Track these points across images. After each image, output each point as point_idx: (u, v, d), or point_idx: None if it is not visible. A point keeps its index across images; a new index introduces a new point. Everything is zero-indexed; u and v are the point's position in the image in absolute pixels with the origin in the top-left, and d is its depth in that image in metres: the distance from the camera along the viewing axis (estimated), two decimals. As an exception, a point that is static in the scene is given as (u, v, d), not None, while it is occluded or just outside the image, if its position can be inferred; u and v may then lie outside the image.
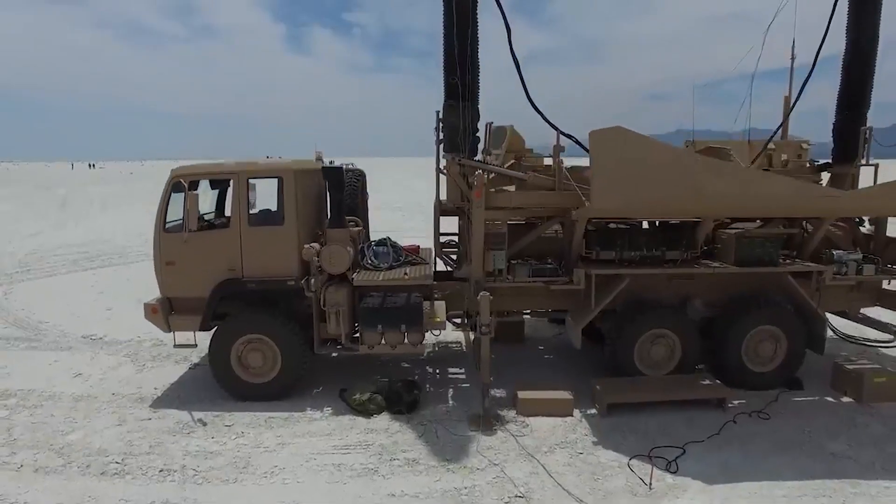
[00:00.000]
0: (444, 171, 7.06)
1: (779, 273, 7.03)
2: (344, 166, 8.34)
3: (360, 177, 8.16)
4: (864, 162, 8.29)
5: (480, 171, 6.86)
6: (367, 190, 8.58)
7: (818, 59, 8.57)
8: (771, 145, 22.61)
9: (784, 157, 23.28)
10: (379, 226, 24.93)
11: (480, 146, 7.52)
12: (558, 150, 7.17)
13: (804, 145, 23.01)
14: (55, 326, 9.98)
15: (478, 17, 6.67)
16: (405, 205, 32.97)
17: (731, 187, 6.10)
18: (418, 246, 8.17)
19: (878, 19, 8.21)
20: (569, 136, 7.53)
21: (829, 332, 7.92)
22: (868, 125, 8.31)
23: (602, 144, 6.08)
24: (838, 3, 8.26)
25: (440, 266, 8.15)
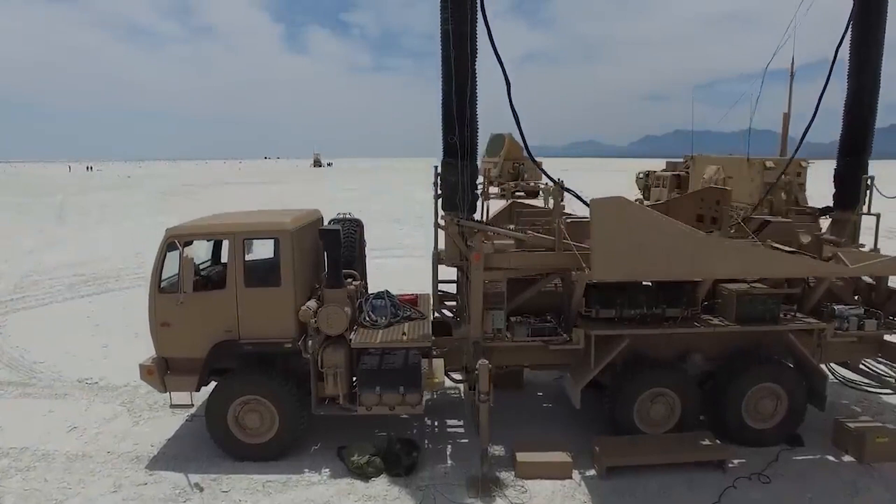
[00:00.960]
0: (444, 227, 6.99)
1: (780, 331, 6.98)
2: (341, 215, 8.30)
3: (357, 226, 8.10)
4: (865, 211, 8.26)
5: (480, 233, 6.78)
6: (365, 237, 8.50)
7: (819, 105, 8.51)
8: (769, 163, 22.47)
9: (786, 177, 22.97)
10: (378, 241, 24.86)
11: (480, 153, 7.44)
12: (559, 209, 7.10)
13: (803, 163, 22.93)
14: (50, 368, 9.89)
15: (476, 74, 6.60)
16: (405, 216, 32.92)
17: (732, 265, 6.03)
18: (416, 297, 8.10)
19: (880, 66, 8.18)
20: (569, 191, 7.49)
21: (830, 377, 7.90)
22: (870, 174, 8.27)
23: (602, 214, 6.03)
24: (840, 47, 8.24)
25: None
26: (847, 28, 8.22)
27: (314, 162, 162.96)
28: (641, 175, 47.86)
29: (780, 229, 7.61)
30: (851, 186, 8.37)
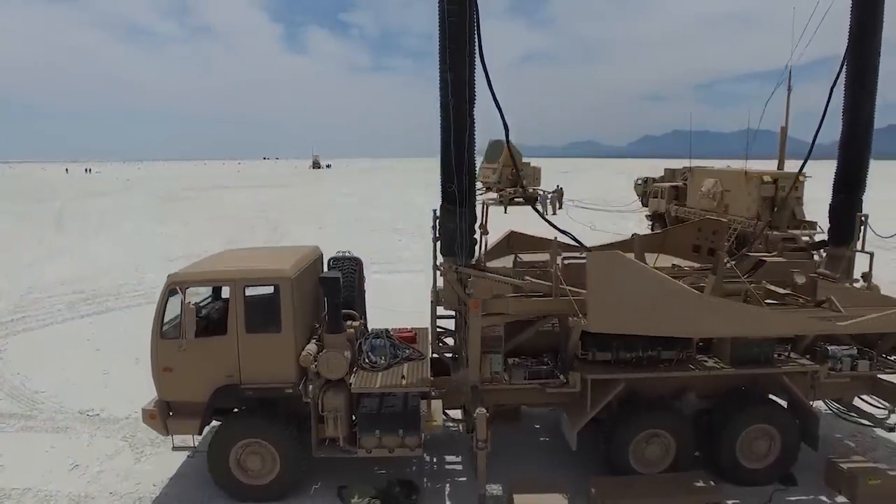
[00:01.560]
0: (442, 273, 7.06)
1: (774, 373, 7.07)
2: (340, 254, 8.37)
3: (355, 265, 8.17)
4: (859, 249, 8.37)
5: (478, 281, 6.84)
6: (364, 273, 8.57)
7: (814, 144, 8.61)
8: (767, 178, 22.56)
9: (784, 188, 22.98)
10: (377, 254, 24.85)
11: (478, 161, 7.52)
12: (555, 255, 7.17)
13: (800, 177, 22.96)
14: (51, 398, 9.96)
15: (475, 122, 6.69)
16: (405, 225, 32.92)
17: (723, 324, 6.11)
18: (415, 334, 8.16)
19: (874, 107, 8.29)
20: (565, 233, 7.58)
21: (824, 408, 8.00)
22: (864, 212, 8.37)
23: (598, 267, 6.11)
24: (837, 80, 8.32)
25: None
26: (841, 69, 8.33)
27: (313, 164, 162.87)
28: (640, 181, 48.11)
29: (775, 269, 7.70)
30: (846, 223, 8.48)
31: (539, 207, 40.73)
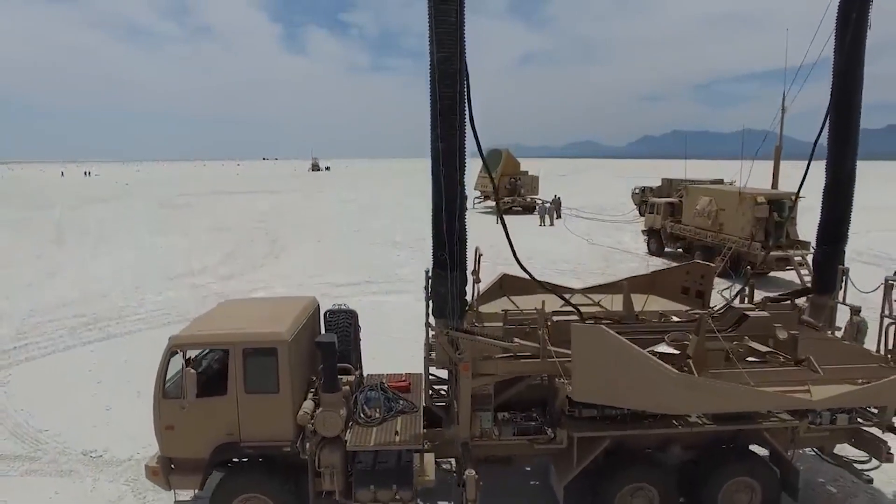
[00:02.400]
0: (434, 334, 7.30)
1: (755, 429, 7.32)
2: (336, 307, 8.60)
3: (351, 317, 8.40)
4: (840, 300, 8.62)
5: (469, 344, 7.07)
6: (360, 324, 8.79)
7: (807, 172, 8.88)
8: (760, 199, 22.83)
9: (787, 203, 23.16)
10: (376, 270, 24.97)
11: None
12: (542, 319, 7.39)
13: (793, 198, 23.14)
14: (54, 437, 10.18)
15: (465, 192, 6.94)
16: (404, 238, 33.14)
17: (701, 402, 6.34)
18: (409, 383, 8.39)
19: (855, 157, 8.53)
20: (565, 299, 7.79)
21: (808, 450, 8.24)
22: (846, 265, 8.63)
23: (582, 340, 6.35)
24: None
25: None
26: (825, 121, 8.58)
27: (312, 166, 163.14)
28: (637, 190, 48.35)
29: (757, 324, 7.93)
30: (829, 273, 8.74)
31: (537, 209, 40.59)
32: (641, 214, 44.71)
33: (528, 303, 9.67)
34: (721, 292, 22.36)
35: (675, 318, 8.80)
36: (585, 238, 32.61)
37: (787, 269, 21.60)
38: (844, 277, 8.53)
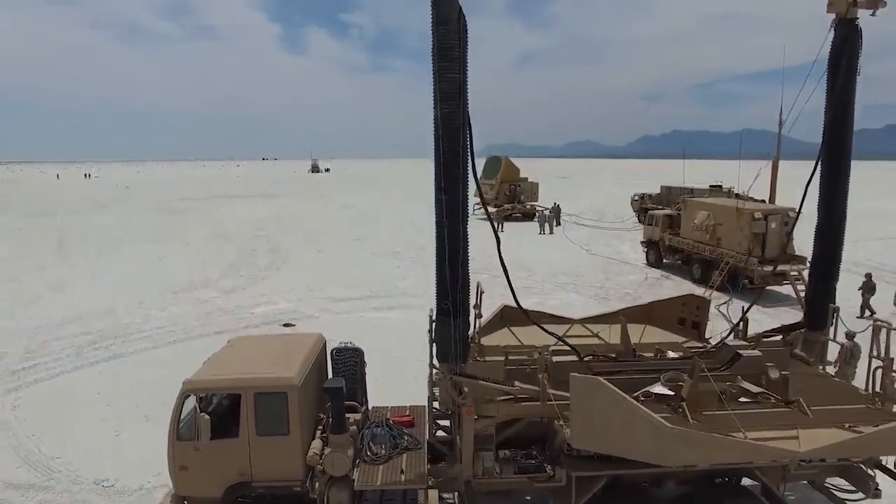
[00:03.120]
0: (438, 377, 7.56)
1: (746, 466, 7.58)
2: (342, 344, 8.84)
3: (357, 356, 8.65)
4: (831, 337, 8.89)
5: (471, 388, 7.32)
6: (366, 360, 9.03)
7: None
8: (758, 214, 23.08)
9: (773, 224, 23.65)
10: (376, 284, 25.21)
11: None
12: (542, 364, 7.65)
13: (790, 213, 23.55)
14: (66, 465, 10.42)
15: (468, 243, 7.20)
16: (404, 248, 33.40)
17: (692, 453, 6.59)
18: (412, 418, 8.64)
19: (846, 198, 8.80)
20: (541, 327, 8.04)
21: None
22: (836, 304, 8.90)
23: (580, 391, 6.60)
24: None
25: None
26: (816, 165, 8.85)
27: (312, 168, 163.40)
28: (637, 197, 48.61)
29: (750, 363, 8.18)
30: (821, 310, 9.02)
31: (537, 217, 41.02)
32: (640, 221, 45.01)
33: (529, 334, 9.94)
34: (718, 307, 22.62)
35: (671, 354, 9.06)
36: (585, 248, 32.91)
37: (784, 284, 21.87)
38: (835, 315, 8.80)
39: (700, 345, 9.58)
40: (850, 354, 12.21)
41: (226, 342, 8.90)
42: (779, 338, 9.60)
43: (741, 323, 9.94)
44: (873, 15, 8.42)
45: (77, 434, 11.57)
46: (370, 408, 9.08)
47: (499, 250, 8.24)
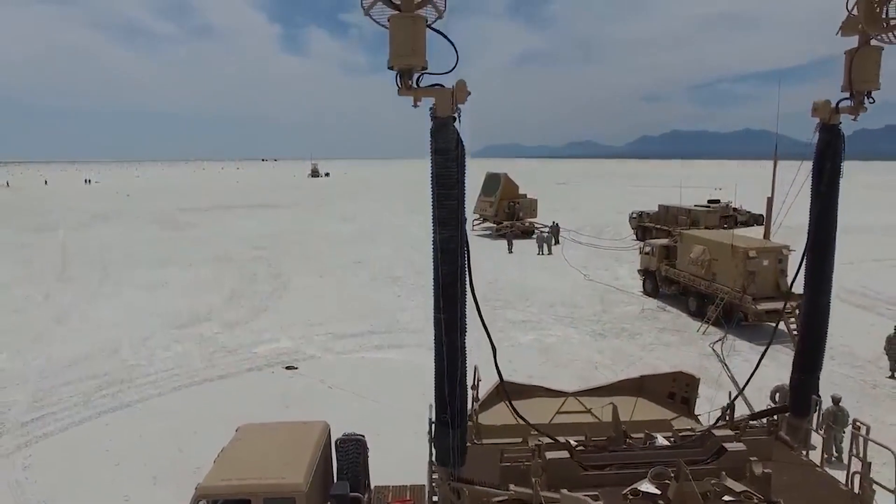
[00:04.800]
0: (437, 481, 7.91)
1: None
2: (345, 435, 9.18)
3: (360, 445, 9.00)
4: (813, 427, 9.25)
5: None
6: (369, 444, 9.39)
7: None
8: (752, 252, 23.47)
9: (766, 262, 24.08)
10: (376, 317, 25.60)
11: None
12: (537, 469, 7.99)
13: (784, 251, 23.98)
14: (78, 536, 10.80)
15: (466, 350, 7.55)
16: (404, 272, 33.73)
17: None
18: (413, 503, 9.01)
19: (830, 291, 9.15)
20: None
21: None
22: (818, 396, 9.26)
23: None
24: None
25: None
26: (802, 260, 9.21)
27: (312, 172, 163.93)
28: (634, 215, 48.98)
29: (735, 456, 8.52)
30: (805, 399, 9.35)
31: (535, 237, 41.09)
32: (638, 238, 45.45)
33: (526, 408, 10.30)
34: (713, 346, 22.95)
35: (661, 438, 9.41)
36: (583, 273, 33.27)
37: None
38: (818, 406, 9.16)
39: (689, 427, 9.93)
40: (833, 419, 12.64)
41: (234, 430, 9.22)
42: (764, 422, 9.95)
43: (728, 408, 10.24)
44: (854, 120, 8.78)
45: (88, 499, 11.91)
46: (373, 488, 9.45)
47: (495, 360, 8.49)
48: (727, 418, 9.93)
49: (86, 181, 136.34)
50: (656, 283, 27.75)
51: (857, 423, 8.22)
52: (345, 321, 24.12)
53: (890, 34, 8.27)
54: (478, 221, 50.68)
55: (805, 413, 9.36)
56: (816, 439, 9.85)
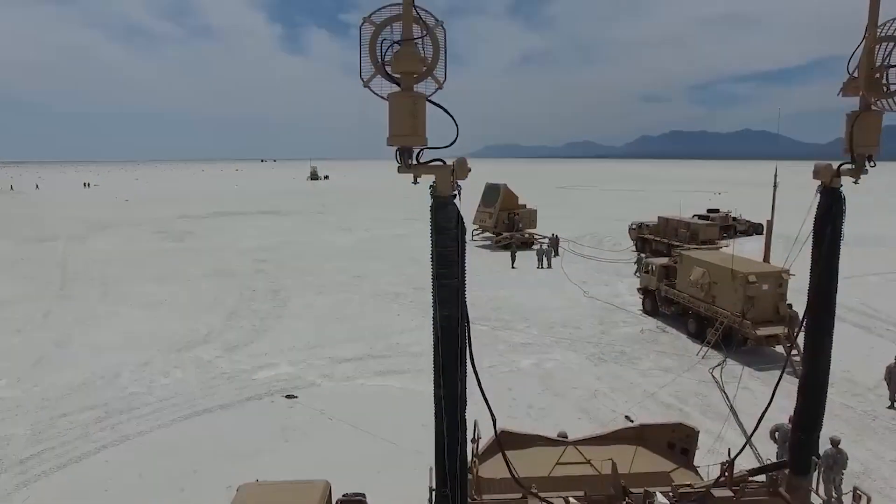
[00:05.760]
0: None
1: None
2: (346, 497, 9.19)
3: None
4: (813, 488, 9.25)
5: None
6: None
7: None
8: (752, 277, 23.49)
9: (765, 286, 24.10)
10: (376, 339, 25.63)
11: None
12: None
13: (784, 275, 23.99)
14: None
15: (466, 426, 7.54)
16: (404, 288, 33.67)
17: None
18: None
19: (829, 357, 9.15)
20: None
21: None
22: (818, 457, 9.26)
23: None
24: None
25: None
26: (802, 322, 9.20)
27: (311, 175, 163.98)
28: (634, 226, 49.03)
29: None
30: (805, 458, 9.36)
31: (535, 251, 40.85)
32: (637, 249, 45.48)
33: (526, 458, 10.32)
34: (712, 371, 22.95)
35: (660, 496, 9.41)
36: (582, 289, 33.26)
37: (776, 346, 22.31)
38: (818, 469, 9.16)
39: (688, 483, 9.92)
40: (833, 461, 12.63)
41: (236, 490, 9.20)
42: (762, 478, 9.95)
43: (728, 464, 10.21)
44: (856, 183, 8.77)
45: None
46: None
47: (494, 429, 8.49)
48: (726, 475, 9.92)
49: (85, 185, 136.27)
50: (655, 303, 27.75)
51: (858, 493, 8.23)
52: (344, 343, 24.10)
53: (890, 100, 8.26)
54: (477, 232, 50.68)
55: (805, 472, 9.37)
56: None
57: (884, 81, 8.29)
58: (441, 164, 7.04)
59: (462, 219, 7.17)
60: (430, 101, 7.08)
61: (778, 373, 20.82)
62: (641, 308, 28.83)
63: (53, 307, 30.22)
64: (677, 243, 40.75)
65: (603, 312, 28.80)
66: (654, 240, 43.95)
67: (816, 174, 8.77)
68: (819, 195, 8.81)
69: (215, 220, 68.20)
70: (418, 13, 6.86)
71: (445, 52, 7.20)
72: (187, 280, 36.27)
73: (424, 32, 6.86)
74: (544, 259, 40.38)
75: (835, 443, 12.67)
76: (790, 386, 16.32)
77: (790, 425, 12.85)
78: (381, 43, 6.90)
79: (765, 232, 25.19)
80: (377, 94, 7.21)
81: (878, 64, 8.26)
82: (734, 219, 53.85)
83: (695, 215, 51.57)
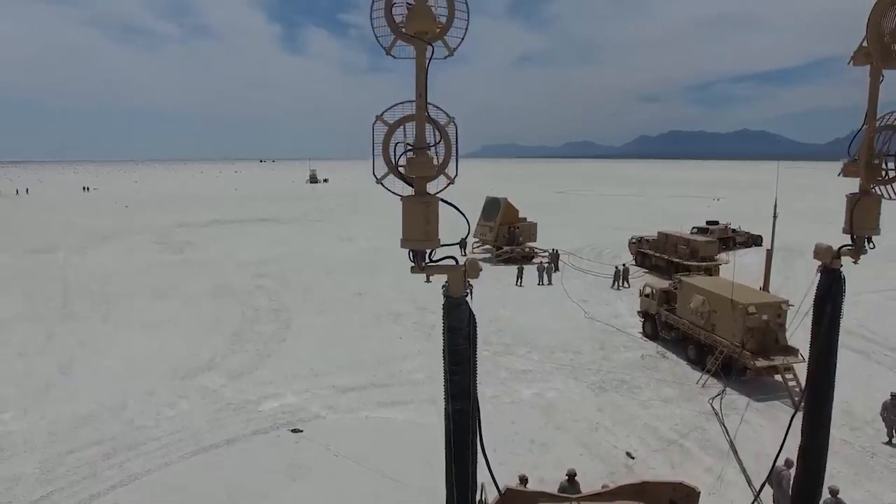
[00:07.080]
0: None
1: None
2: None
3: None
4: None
5: None
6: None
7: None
8: (752, 308, 23.74)
9: (765, 317, 24.32)
10: (378, 366, 26.04)
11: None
12: None
13: (783, 306, 24.21)
14: None
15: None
16: (406, 308, 33.83)
17: None
18: None
19: (828, 431, 9.37)
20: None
21: None
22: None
23: None
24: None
25: None
26: (800, 402, 9.42)
27: (310, 178, 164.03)
28: (634, 240, 49.25)
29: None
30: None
31: (537, 264, 41.01)
32: (637, 263, 45.78)
33: None
34: (711, 402, 23.16)
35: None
36: (583, 308, 33.50)
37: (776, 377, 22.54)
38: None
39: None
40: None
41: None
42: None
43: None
44: (856, 263, 8.99)
45: None
46: None
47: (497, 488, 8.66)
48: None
49: (84, 189, 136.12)
50: (656, 327, 27.98)
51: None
52: (347, 371, 24.28)
53: (889, 187, 8.49)
54: (477, 244, 50.88)
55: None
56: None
57: (883, 167, 8.52)
58: (453, 262, 7.23)
59: (474, 317, 7.36)
60: (442, 200, 7.28)
61: (777, 402, 21.23)
62: (642, 331, 29.06)
63: (56, 328, 30.32)
64: (677, 259, 41.04)
65: (604, 336, 29.01)
66: (654, 255, 44.20)
67: (817, 255, 8.98)
68: (819, 275, 9.02)
69: (214, 229, 68.31)
70: (430, 116, 7.04)
71: (457, 149, 7.39)
72: (188, 298, 36.41)
73: (439, 139, 7.04)
74: (544, 275, 40.59)
75: (834, 493, 12.92)
76: (785, 416, 16.42)
77: (786, 467, 13.17)
78: (395, 146, 7.08)
79: (765, 259, 25.44)
80: (391, 192, 7.37)
81: (877, 150, 8.49)
82: (733, 231, 54.16)
83: (694, 228, 51.84)
